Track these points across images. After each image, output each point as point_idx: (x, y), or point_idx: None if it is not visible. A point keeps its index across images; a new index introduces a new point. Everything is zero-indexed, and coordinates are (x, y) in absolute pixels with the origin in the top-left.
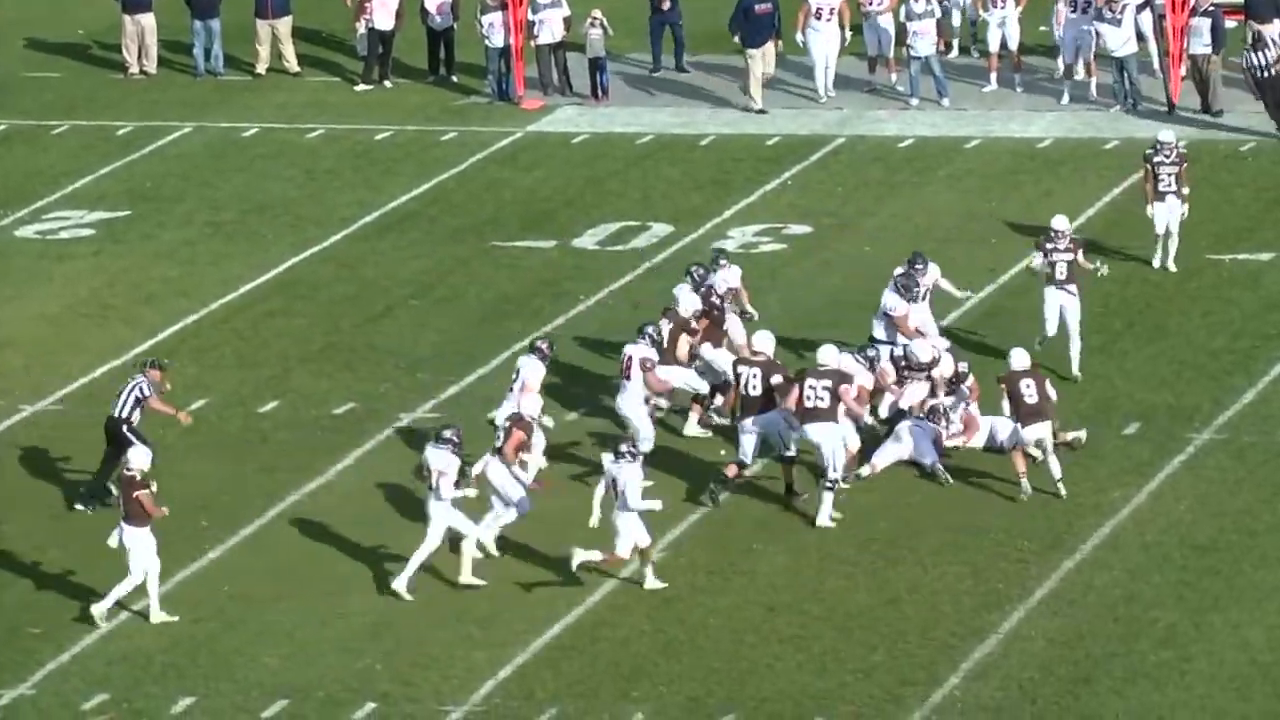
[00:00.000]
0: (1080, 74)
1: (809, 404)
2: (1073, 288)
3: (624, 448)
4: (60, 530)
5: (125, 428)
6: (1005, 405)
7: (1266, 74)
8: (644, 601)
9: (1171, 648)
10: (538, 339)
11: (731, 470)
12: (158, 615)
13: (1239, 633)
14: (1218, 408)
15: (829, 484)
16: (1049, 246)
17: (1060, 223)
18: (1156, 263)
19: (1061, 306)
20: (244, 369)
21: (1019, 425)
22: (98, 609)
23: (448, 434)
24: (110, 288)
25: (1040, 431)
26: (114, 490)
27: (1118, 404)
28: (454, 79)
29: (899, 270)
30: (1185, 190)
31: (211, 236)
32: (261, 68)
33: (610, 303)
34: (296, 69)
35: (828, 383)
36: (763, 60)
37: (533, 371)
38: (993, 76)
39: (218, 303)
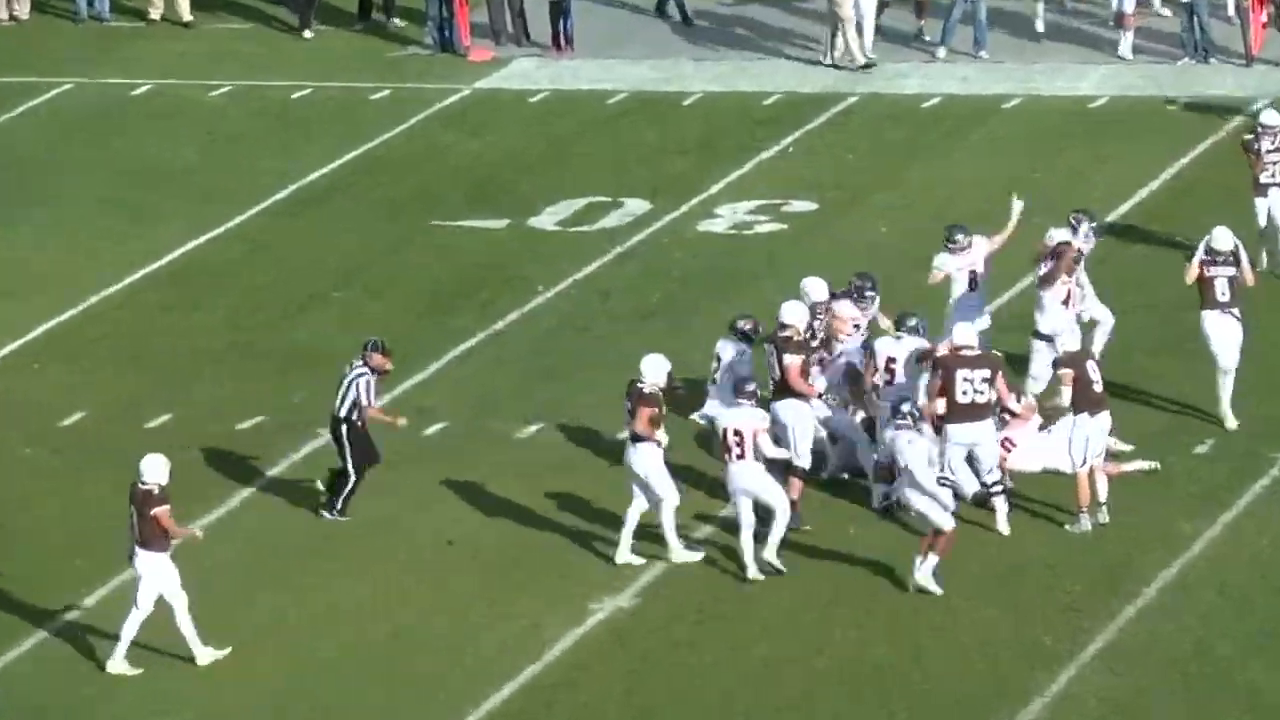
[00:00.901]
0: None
1: (965, 399)
2: (1238, 310)
3: (906, 407)
4: None
5: (345, 427)
6: (1065, 394)
7: None
8: (615, 658)
9: (1254, 713)
10: (738, 318)
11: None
12: (204, 655)
13: None
14: None
15: (995, 489)
16: (1206, 261)
17: (1224, 240)
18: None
19: (1226, 335)
20: (130, 375)
21: (1084, 416)
22: (112, 664)
23: (750, 388)
24: None
25: (1107, 422)
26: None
27: (1188, 418)
28: (395, 23)
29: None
30: None
31: (95, 214)
32: (155, 13)
33: (574, 294)
34: (189, 18)
35: (985, 372)
36: (858, 8)
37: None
38: (1040, 7)
39: (99, 295)
